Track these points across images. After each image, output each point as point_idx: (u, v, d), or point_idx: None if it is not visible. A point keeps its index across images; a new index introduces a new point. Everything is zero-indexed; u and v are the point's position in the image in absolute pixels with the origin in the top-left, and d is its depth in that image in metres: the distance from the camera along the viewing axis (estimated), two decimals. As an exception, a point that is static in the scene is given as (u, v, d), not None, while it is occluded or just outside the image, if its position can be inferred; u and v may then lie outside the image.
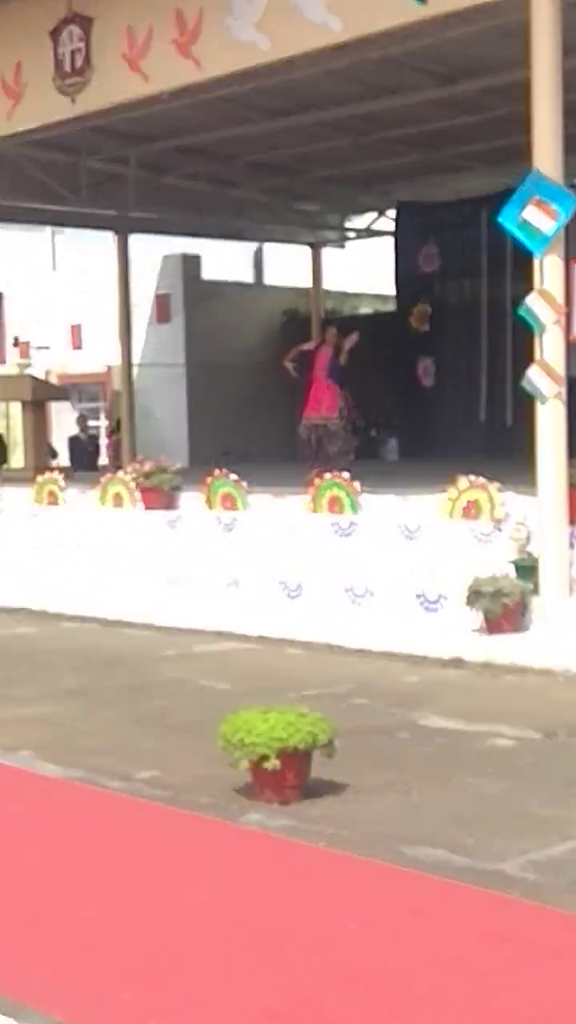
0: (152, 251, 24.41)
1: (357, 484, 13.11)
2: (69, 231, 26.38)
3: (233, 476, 14.34)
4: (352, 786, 7.05)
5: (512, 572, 11.34)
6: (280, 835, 6.33)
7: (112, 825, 6.70)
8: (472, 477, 12.21)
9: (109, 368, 25.06)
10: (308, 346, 16.96)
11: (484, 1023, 4.27)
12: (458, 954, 4.83)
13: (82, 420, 23.48)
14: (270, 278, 28.64)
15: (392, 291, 23.83)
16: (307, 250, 25.01)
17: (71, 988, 4.63)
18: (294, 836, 6.30)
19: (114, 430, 22.41)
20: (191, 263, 24.71)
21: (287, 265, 27.08)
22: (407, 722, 8.69)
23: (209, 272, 25.17)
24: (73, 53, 14.77)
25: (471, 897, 5.46)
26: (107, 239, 23.42)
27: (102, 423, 26.35)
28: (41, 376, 22.11)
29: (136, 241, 22.81)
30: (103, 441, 25.43)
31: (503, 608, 11.07)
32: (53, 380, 24.07)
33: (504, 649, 10.68)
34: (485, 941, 4.96)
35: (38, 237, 31.19)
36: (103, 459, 24.07)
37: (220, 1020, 4.31)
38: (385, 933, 5.09)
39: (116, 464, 15.28)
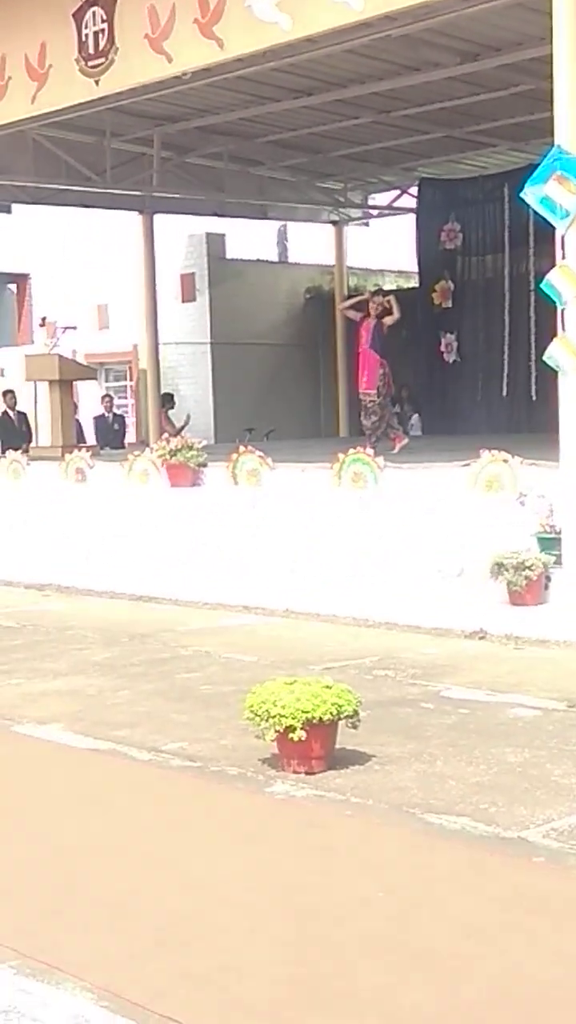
0: (176, 231, 24.47)
1: (380, 460, 13.17)
2: (94, 212, 26.39)
3: (258, 453, 14.42)
4: (377, 756, 7.14)
5: (535, 545, 11.40)
6: (306, 804, 6.41)
7: (141, 796, 6.79)
8: (494, 451, 12.25)
9: (135, 347, 25.16)
10: (354, 314, 16.40)
11: (509, 989, 4.32)
12: (483, 921, 4.89)
13: (108, 399, 23.58)
14: (294, 256, 28.66)
15: (414, 268, 23.85)
16: (330, 228, 25.05)
17: (101, 955, 4.71)
18: (320, 805, 6.38)
19: (163, 404, 22.55)
20: (215, 242, 24.74)
21: (310, 243, 27.10)
22: (430, 693, 8.77)
23: (233, 251, 25.21)
24: (96, 34, 14.82)
25: (495, 865, 5.53)
26: (132, 219, 23.49)
27: (128, 402, 26.45)
28: (68, 356, 22.16)
29: (160, 221, 22.88)
30: (130, 420, 25.51)
31: (526, 581, 11.11)
32: (80, 360, 24.16)
33: (527, 621, 10.75)
34: (509, 908, 5.03)
35: (63, 218, 31.22)
36: (130, 437, 24.16)
37: (247, 986, 4.38)
38: (410, 900, 5.15)
39: (168, 436, 15.71)
